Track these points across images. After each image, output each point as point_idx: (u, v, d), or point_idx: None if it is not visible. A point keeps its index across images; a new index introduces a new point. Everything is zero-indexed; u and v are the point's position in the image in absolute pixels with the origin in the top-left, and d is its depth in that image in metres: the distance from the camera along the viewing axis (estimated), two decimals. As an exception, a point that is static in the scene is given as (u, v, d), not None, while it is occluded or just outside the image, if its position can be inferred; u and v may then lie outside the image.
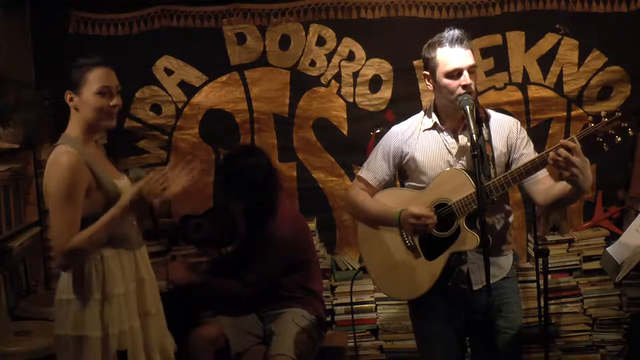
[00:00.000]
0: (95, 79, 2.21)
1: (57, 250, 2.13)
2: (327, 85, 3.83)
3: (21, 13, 3.60)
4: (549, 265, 3.40)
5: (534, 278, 3.59)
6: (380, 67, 3.79)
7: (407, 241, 2.44)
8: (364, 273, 3.58)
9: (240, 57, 3.82)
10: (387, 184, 2.56)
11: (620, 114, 2.14)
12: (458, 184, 2.32)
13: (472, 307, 2.42)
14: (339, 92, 3.83)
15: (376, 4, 3.75)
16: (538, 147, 2.48)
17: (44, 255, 3.48)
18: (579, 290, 3.75)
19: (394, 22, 3.76)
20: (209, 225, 3.67)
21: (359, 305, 3.73)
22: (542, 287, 3.09)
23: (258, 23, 3.79)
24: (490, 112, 2.46)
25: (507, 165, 2.41)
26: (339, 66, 3.80)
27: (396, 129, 2.55)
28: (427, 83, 2.43)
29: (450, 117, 2.42)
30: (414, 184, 2.48)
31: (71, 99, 2.23)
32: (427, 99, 3.65)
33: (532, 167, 2.22)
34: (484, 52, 3.76)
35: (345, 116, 3.84)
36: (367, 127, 3.80)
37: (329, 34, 3.78)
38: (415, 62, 3.71)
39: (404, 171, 2.53)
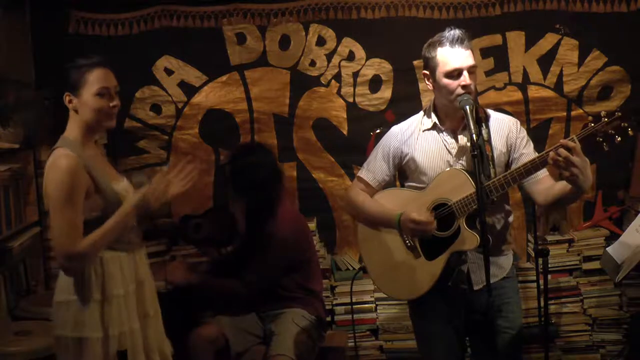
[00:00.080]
0: (95, 80, 2.20)
1: (61, 254, 2.14)
2: (327, 85, 3.83)
3: (21, 13, 3.60)
4: (549, 265, 3.40)
5: (534, 278, 3.58)
6: (380, 67, 3.79)
7: (407, 241, 2.44)
8: (364, 273, 3.57)
9: (240, 57, 3.82)
10: (387, 185, 2.56)
11: (620, 113, 2.14)
12: (458, 184, 2.32)
13: (472, 307, 2.42)
14: (339, 92, 3.83)
15: (376, 4, 3.75)
16: (538, 147, 2.48)
17: (44, 255, 3.48)
18: (579, 290, 3.75)
19: (394, 22, 3.76)
20: (209, 225, 3.67)
21: (359, 305, 3.73)
22: (542, 287, 3.09)
23: (258, 23, 3.79)
24: (490, 111, 2.47)
25: (507, 165, 2.41)
26: (339, 66, 3.80)
27: (396, 129, 2.55)
28: (427, 82, 2.43)
29: (450, 117, 2.42)
30: (414, 184, 2.48)
31: (70, 101, 2.23)
32: (427, 99, 3.65)
33: (532, 167, 2.22)
34: (484, 52, 3.76)
35: (345, 116, 3.84)
36: (367, 127, 3.80)
37: (329, 34, 3.78)
38: (415, 62, 3.71)
39: (404, 172, 2.53)
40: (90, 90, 2.20)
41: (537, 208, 3.48)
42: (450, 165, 2.40)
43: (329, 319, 3.61)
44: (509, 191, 2.37)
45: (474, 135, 2.17)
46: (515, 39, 3.76)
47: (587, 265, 3.72)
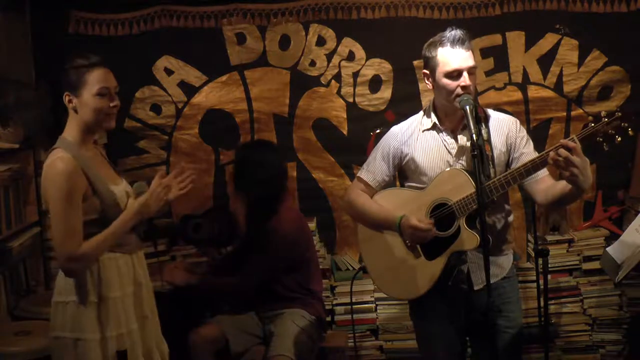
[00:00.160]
0: (95, 80, 2.20)
1: (61, 256, 2.15)
2: (327, 85, 3.83)
3: (21, 13, 3.60)
4: (549, 265, 3.40)
5: (534, 278, 3.58)
6: (380, 67, 3.79)
7: (407, 241, 2.44)
8: (364, 273, 3.56)
9: (240, 57, 3.81)
10: (387, 185, 2.56)
11: (620, 113, 2.14)
12: (458, 184, 2.32)
13: (473, 306, 2.42)
14: (339, 92, 3.83)
15: (376, 4, 3.75)
16: (538, 147, 2.47)
17: (44, 255, 3.48)
18: (579, 290, 3.75)
19: (394, 22, 3.76)
20: (208, 225, 3.68)
21: (358, 305, 3.73)
22: (542, 287, 3.09)
23: (258, 23, 3.79)
24: (490, 111, 2.47)
25: (507, 164, 2.41)
26: (339, 66, 3.80)
27: (395, 129, 2.55)
28: (427, 82, 2.43)
29: (450, 117, 2.42)
30: (414, 184, 2.48)
31: (70, 101, 2.22)
32: (427, 99, 3.65)
33: (532, 167, 2.22)
34: (484, 52, 3.76)
35: (345, 116, 3.84)
36: (367, 127, 3.80)
37: (329, 34, 3.78)
38: (415, 62, 3.71)
39: (403, 172, 2.53)
40: (90, 90, 2.20)
41: (537, 208, 3.48)
42: (450, 165, 2.40)
43: (329, 319, 3.62)
44: (509, 191, 2.37)
45: (474, 136, 2.17)
46: (515, 39, 3.76)
47: (587, 265, 3.72)
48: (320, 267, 3.47)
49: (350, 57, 3.80)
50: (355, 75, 3.81)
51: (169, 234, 3.80)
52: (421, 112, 2.53)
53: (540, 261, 3.26)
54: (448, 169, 2.39)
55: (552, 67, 3.77)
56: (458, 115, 2.37)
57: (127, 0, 3.76)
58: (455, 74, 2.31)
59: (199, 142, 3.86)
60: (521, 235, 3.86)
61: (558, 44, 3.75)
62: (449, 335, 2.48)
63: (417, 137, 2.47)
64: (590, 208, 3.86)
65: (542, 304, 3.31)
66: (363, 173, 2.57)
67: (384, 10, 3.76)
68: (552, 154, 2.12)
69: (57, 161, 2.14)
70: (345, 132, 3.85)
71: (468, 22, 3.68)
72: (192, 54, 3.80)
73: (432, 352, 2.53)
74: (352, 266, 3.81)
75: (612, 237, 3.61)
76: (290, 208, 3.24)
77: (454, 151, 2.41)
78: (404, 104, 3.68)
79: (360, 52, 3.79)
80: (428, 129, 2.46)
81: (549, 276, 3.36)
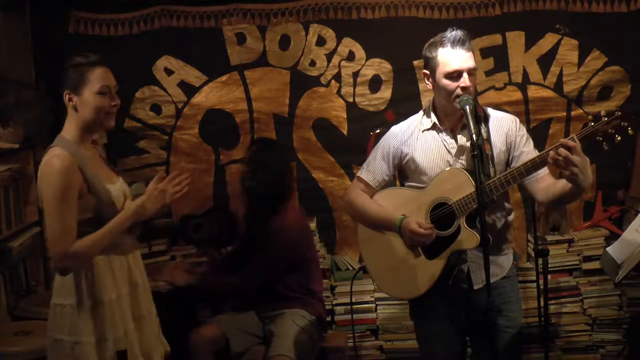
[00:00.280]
0: (96, 78, 2.20)
1: (55, 253, 2.14)
2: (327, 85, 3.83)
3: (21, 13, 3.60)
4: (549, 265, 3.40)
5: (534, 278, 3.58)
6: (380, 67, 3.79)
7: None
8: (364, 273, 3.57)
9: (240, 57, 3.81)
10: (387, 185, 2.56)
11: (619, 113, 2.14)
12: (458, 183, 2.32)
13: (473, 306, 2.42)
14: (339, 92, 3.83)
15: (376, 4, 3.75)
16: (538, 147, 2.47)
17: (44, 255, 3.48)
18: (579, 290, 3.75)
19: (394, 22, 3.76)
20: (208, 225, 3.68)
21: (358, 305, 3.73)
22: (542, 287, 3.09)
23: (258, 23, 3.79)
24: (489, 110, 2.47)
25: (507, 163, 2.42)
26: (339, 66, 3.80)
27: (395, 129, 2.55)
28: (427, 82, 2.43)
29: (449, 117, 2.42)
30: (414, 184, 2.48)
31: (70, 99, 2.22)
32: (427, 99, 3.65)
33: (532, 166, 2.22)
34: (484, 52, 3.76)
35: (345, 116, 3.84)
36: (367, 127, 3.80)
37: (329, 34, 3.78)
38: (415, 62, 3.71)
39: (403, 172, 2.53)
40: (92, 89, 2.20)
41: (537, 208, 3.48)
42: (450, 165, 2.40)
43: (329, 319, 3.62)
44: (509, 190, 2.37)
45: (474, 136, 2.17)
46: (515, 39, 3.76)
47: (587, 265, 3.72)
48: (320, 267, 3.47)
49: (350, 57, 3.80)
50: (355, 75, 3.81)
51: (169, 234, 3.80)
52: (421, 112, 2.53)
53: (540, 261, 3.26)
54: (448, 168, 2.39)
55: (552, 67, 3.77)
56: (458, 115, 2.38)
57: (127, 0, 3.76)
58: (455, 75, 2.31)
59: (199, 142, 3.86)
60: (521, 235, 3.86)
61: (558, 44, 3.76)
62: (449, 335, 2.48)
63: (417, 137, 2.47)
64: (590, 208, 3.86)
65: (542, 304, 3.31)
66: (363, 173, 2.57)
67: (384, 10, 3.76)
68: (552, 153, 2.12)
69: (54, 158, 2.14)
70: (345, 132, 3.85)
71: (468, 22, 3.68)
72: (192, 54, 3.80)
73: (432, 352, 2.53)
74: (352, 266, 3.81)
75: (612, 237, 3.61)
76: (294, 208, 3.25)
77: (453, 151, 2.41)
78: (404, 104, 3.68)
79: (360, 52, 3.79)
80: (428, 129, 2.46)
81: (549, 276, 3.36)
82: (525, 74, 3.79)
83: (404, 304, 3.39)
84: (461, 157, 2.40)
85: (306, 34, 3.79)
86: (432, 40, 2.39)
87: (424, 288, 2.40)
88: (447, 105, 2.37)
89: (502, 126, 2.42)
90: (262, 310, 3.22)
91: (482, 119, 2.36)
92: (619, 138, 2.13)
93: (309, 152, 3.87)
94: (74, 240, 2.13)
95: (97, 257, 2.22)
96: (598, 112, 2.19)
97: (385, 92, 3.81)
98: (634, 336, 3.67)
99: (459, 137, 2.41)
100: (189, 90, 3.83)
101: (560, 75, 3.78)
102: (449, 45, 2.32)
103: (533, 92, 3.80)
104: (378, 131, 3.71)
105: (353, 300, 3.67)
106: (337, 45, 3.79)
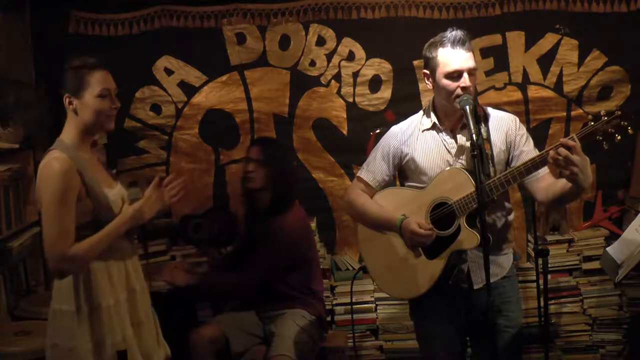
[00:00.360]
0: (96, 81, 2.21)
1: (52, 256, 2.13)
2: (327, 85, 3.83)
3: (21, 13, 3.60)
4: (549, 265, 3.40)
5: (534, 278, 3.58)
6: (380, 67, 3.79)
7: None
8: (364, 273, 3.58)
9: (240, 57, 3.81)
10: (387, 185, 2.57)
11: (620, 112, 2.14)
12: (458, 183, 2.32)
13: (473, 306, 2.42)
14: (339, 92, 3.83)
15: (376, 4, 3.75)
16: (538, 147, 2.47)
17: (44, 255, 3.47)
18: (578, 290, 3.75)
19: (394, 22, 3.76)
20: (208, 225, 3.68)
21: (358, 305, 3.73)
22: (542, 287, 3.09)
23: (258, 23, 3.79)
24: (489, 109, 2.47)
25: (507, 162, 2.42)
26: (339, 66, 3.80)
27: (395, 129, 2.55)
28: (427, 82, 2.44)
29: (449, 117, 2.42)
30: (414, 184, 2.49)
31: (70, 103, 2.22)
32: (427, 99, 3.64)
33: (532, 166, 2.22)
34: (484, 52, 3.76)
35: (345, 116, 3.84)
36: (367, 127, 3.80)
37: (329, 34, 3.78)
38: (415, 62, 3.71)
39: (403, 171, 2.54)
40: (92, 92, 2.20)
41: (537, 208, 3.48)
42: (450, 165, 2.40)
43: (329, 319, 3.61)
44: (509, 190, 2.37)
45: (474, 136, 2.17)
46: (515, 39, 3.76)
47: (587, 265, 3.72)
48: (321, 267, 3.47)
49: (350, 57, 3.80)
50: (355, 75, 3.81)
51: (169, 234, 3.80)
52: (421, 112, 2.53)
53: (540, 261, 3.26)
54: (448, 168, 2.39)
55: (552, 67, 3.77)
56: (458, 115, 2.38)
57: (127, 0, 3.76)
58: (455, 75, 2.31)
59: (199, 142, 3.86)
60: (521, 235, 3.86)
61: (558, 44, 3.76)
62: (449, 335, 2.48)
63: (417, 137, 2.47)
64: (590, 208, 3.86)
65: (542, 304, 3.31)
66: (363, 173, 2.57)
67: (384, 10, 3.76)
68: (552, 152, 2.12)
69: (53, 161, 2.14)
70: (345, 132, 3.85)
71: (468, 22, 3.68)
72: (192, 54, 3.80)
73: (432, 352, 2.53)
74: (352, 266, 3.81)
75: (612, 237, 3.61)
76: (298, 207, 3.25)
77: (453, 150, 2.41)
78: (404, 104, 3.68)
79: (360, 52, 3.79)
80: (428, 129, 2.46)
81: (549, 276, 3.36)
82: (525, 74, 3.79)
83: (404, 304, 3.39)
84: (461, 157, 2.40)
85: (306, 34, 3.79)
86: (432, 40, 2.40)
87: (424, 288, 2.40)
88: (447, 105, 2.37)
89: (502, 125, 2.42)
90: (263, 310, 3.22)
91: (482, 118, 2.36)
92: (619, 137, 2.14)
93: (309, 152, 3.87)
94: (72, 243, 2.13)
95: (94, 262, 2.21)
96: (598, 112, 2.19)
97: (385, 92, 3.81)
98: (634, 336, 3.67)
99: (458, 137, 2.41)
100: (189, 90, 3.83)
101: (560, 75, 3.78)
102: (449, 45, 2.32)
103: (533, 92, 3.80)
104: (378, 131, 3.71)
105: (353, 300, 3.67)
106: (337, 45, 3.79)
